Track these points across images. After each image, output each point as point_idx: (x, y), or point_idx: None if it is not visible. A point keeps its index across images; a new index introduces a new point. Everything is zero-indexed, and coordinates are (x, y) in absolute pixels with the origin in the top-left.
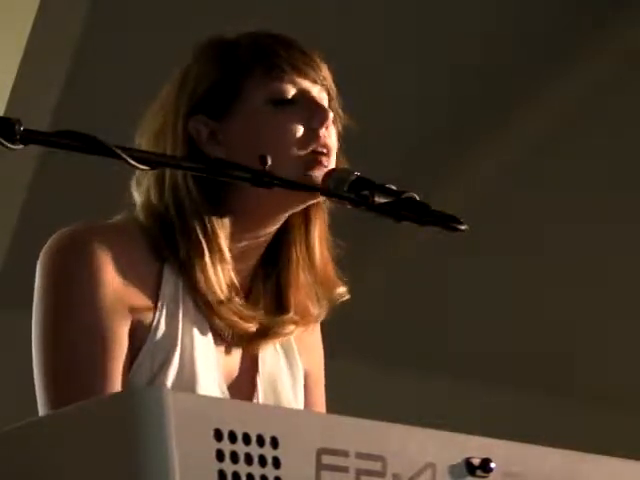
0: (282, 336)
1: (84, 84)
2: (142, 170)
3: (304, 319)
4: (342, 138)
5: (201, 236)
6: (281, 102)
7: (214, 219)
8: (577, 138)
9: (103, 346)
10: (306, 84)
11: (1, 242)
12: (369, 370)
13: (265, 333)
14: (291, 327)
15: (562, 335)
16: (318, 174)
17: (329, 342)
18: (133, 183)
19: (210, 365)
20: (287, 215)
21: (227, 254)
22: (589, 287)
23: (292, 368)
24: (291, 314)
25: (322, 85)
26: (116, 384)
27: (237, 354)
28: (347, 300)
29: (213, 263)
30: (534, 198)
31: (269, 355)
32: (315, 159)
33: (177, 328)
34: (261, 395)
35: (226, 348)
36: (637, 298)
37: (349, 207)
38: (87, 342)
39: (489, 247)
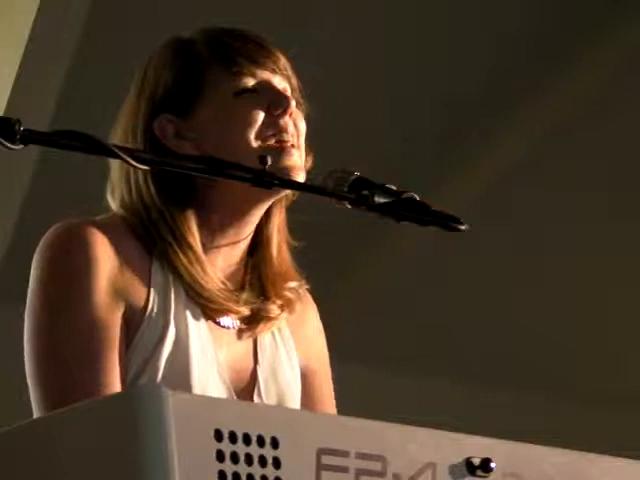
0: (271, 320)
1: (84, 84)
2: (142, 170)
3: (287, 304)
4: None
5: (169, 236)
6: (242, 92)
7: (178, 217)
8: (577, 138)
9: (99, 339)
10: (266, 74)
11: (1, 241)
12: (369, 370)
13: (257, 317)
14: (276, 310)
15: (562, 335)
16: (286, 163)
17: (329, 342)
18: (108, 189)
19: (207, 350)
20: (259, 210)
21: (198, 249)
22: (590, 287)
23: (291, 359)
24: (272, 300)
25: (282, 75)
26: (112, 378)
27: (236, 343)
28: (347, 300)
29: (188, 259)
30: (534, 198)
31: (268, 345)
32: (280, 148)
33: (169, 313)
34: (262, 383)
35: (225, 337)
36: (638, 298)
37: (349, 207)
38: (83, 335)
39: (489, 247)
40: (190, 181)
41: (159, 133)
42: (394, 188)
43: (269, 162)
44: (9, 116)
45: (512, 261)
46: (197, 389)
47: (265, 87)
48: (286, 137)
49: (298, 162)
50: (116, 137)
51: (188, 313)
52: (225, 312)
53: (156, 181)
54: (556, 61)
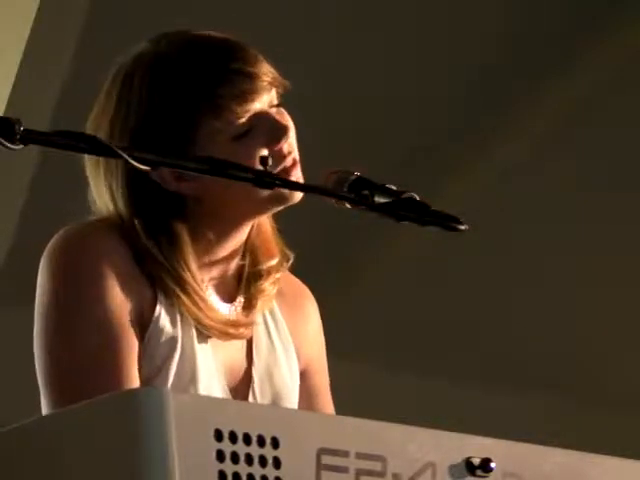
0: (263, 295)
1: (84, 84)
2: (143, 170)
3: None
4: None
5: (165, 276)
6: (239, 136)
7: (170, 250)
8: (577, 138)
9: (115, 342)
10: (258, 105)
11: (2, 242)
12: (369, 370)
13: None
14: (266, 285)
15: (562, 335)
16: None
17: (329, 342)
18: (92, 190)
19: (209, 360)
20: (252, 222)
21: (196, 286)
22: (590, 287)
23: (289, 359)
24: (253, 302)
25: (268, 90)
26: (129, 381)
27: (232, 343)
28: (347, 300)
29: (189, 298)
30: (534, 198)
31: (264, 345)
32: (285, 174)
33: (176, 325)
34: (257, 384)
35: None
36: (638, 298)
37: (349, 207)
38: (100, 338)
39: (489, 247)
40: (180, 200)
41: (159, 180)
42: (394, 188)
43: (270, 163)
44: (9, 116)
45: (512, 261)
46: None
47: (261, 123)
48: (289, 162)
49: (300, 176)
50: (93, 174)
51: (194, 330)
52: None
53: (137, 208)
54: (556, 61)
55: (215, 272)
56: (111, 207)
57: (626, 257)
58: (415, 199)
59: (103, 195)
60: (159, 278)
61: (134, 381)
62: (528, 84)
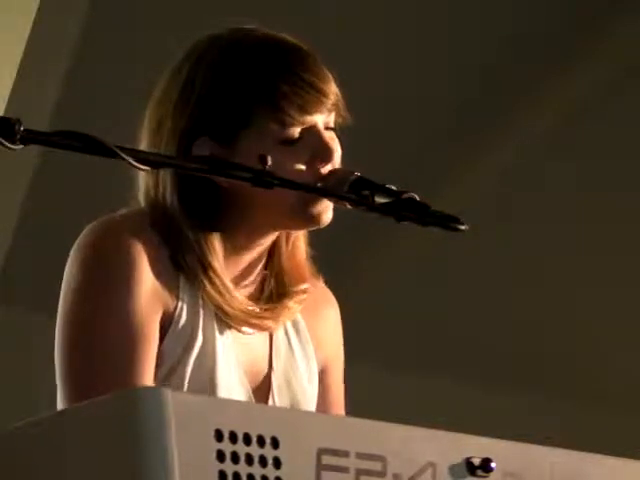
0: (287, 311)
1: (84, 84)
2: (143, 170)
3: (301, 291)
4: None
5: (195, 261)
6: (288, 142)
7: (203, 237)
8: (577, 138)
9: (139, 343)
10: (313, 119)
11: (1, 242)
12: (369, 370)
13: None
14: (291, 304)
15: (562, 335)
16: (319, 208)
17: None
18: (136, 176)
19: (231, 356)
20: (280, 232)
21: (222, 274)
22: (590, 286)
23: (309, 363)
24: (284, 303)
25: (329, 111)
26: (147, 377)
27: (255, 346)
28: (347, 300)
29: (214, 286)
30: (534, 198)
31: (283, 350)
32: (316, 197)
33: (198, 320)
34: (276, 389)
35: (245, 339)
36: (638, 297)
37: (349, 207)
38: (121, 337)
39: (489, 247)
40: (218, 200)
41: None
42: (394, 188)
43: (268, 163)
44: (9, 116)
45: (512, 261)
46: (223, 395)
47: (311, 136)
48: (324, 184)
49: (327, 203)
50: (146, 139)
51: (215, 319)
52: (249, 326)
53: (180, 192)
54: (555, 61)
55: (240, 283)
56: (152, 190)
57: (626, 257)
58: (415, 199)
59: (149, 176)
60: (185, 262)
61: (148, 381)
62: (528, 84)
